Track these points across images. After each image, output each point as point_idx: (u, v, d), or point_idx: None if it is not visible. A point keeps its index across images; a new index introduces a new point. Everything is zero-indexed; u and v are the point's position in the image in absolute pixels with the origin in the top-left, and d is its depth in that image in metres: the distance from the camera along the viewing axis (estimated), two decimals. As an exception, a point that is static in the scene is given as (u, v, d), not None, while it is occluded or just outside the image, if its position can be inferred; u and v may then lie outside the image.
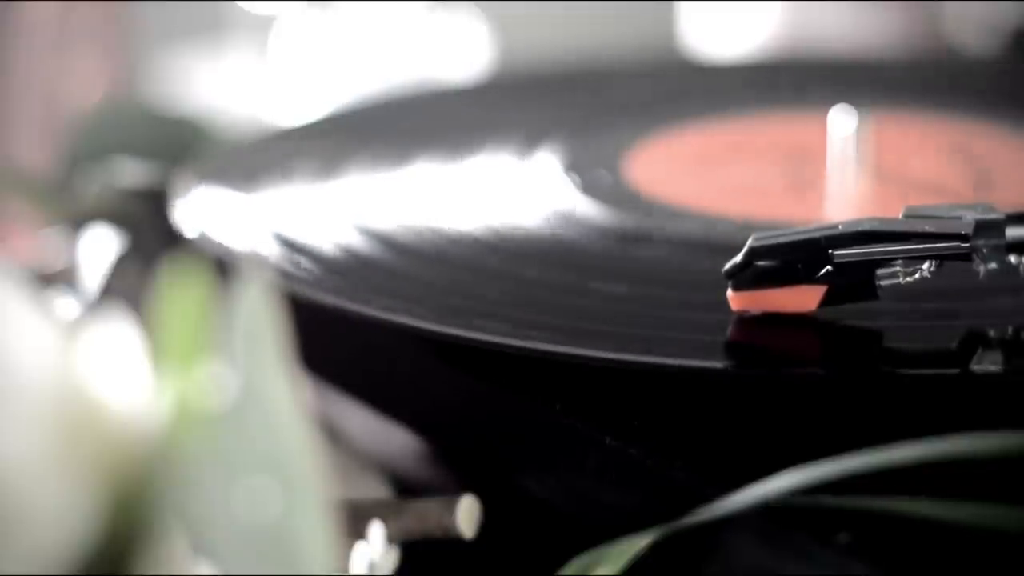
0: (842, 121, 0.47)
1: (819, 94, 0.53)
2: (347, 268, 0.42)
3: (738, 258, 0.36)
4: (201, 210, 0.46)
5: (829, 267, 0.36)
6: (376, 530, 0.36)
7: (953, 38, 0.82)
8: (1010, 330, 0.36)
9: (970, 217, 0.36)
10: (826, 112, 0.47)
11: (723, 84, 0.60)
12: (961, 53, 0.77)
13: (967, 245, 0.36)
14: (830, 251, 0.36)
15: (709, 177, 0.48)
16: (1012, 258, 0.36)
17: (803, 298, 0.36)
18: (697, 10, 0.91)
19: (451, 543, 0.36)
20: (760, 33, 0.85)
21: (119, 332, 0.26)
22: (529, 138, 0.51)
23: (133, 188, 0.50)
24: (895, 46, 0.79)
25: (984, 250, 0.36)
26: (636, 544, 0.33)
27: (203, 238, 0.44)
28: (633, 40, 0.92)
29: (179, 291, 0.25)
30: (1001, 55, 0.76)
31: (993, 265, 0.36)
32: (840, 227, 0.36)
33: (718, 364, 0.36)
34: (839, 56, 0.67)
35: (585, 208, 0.45)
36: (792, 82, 0.60)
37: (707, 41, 0.88)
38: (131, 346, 0.26)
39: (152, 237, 0.48)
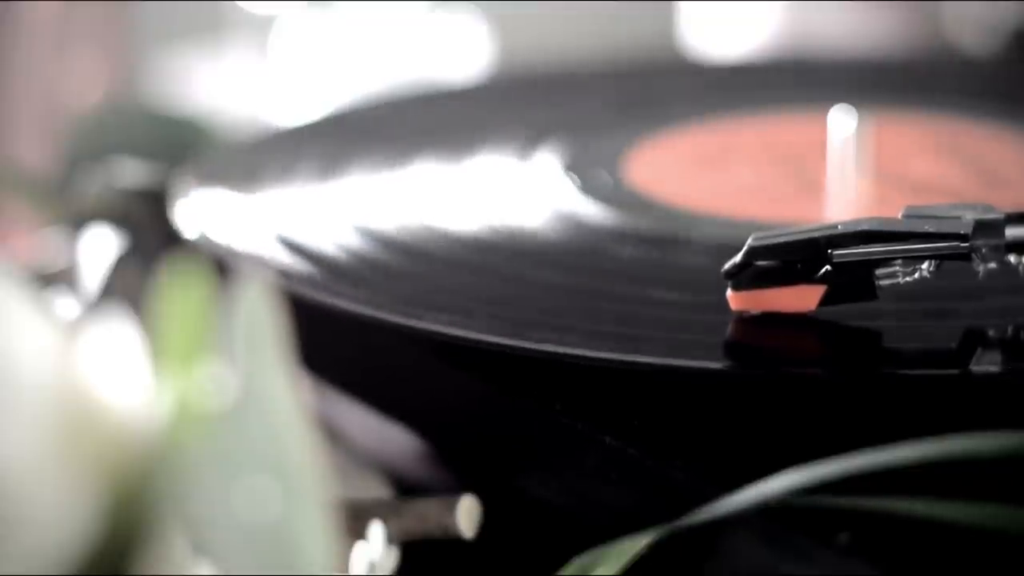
0: (842, 121, 0.47)
1: (819, 94, 0.53)
2: (347, 268, 0.42)
3: (737, 258, 0.36)
4: (201, 210, 0.46)
5: (828, 267, 0.36)
6: (376, 530, 0.36)
7: (953, 38, 0.82)
8: (1009, 330, 0.36)
9: (969, 217, 0.36)
10: (826, 112, 0.47)
11: (723, 84, 0.60)
12: (961, 53, 0.77)
13: (966, 245, 0.36)
14: (829, 251, 0.36)
15: (709, 177, 0.48)
16: (1011, 258, 0.36)
17: (802, 298, 0.36)
18: (697, 10, 0.91)
19: (451, 543, 0.36)
20: (760, 33, 0.85)
21: (119, 332, 0.26)
22: (529, 138, 0.51)
23: (133, 188, 0.50)
24: (895, 46, 0.79)
25: (983, 250, 0.36)
26: (636, 544, 0.33)
27: (203, 238, 0.44)
28: (633, 40, 0.92)
29: (179, 291, 0.25)
30: (1001, 55, 0.76)
31: (992, 265, 0.36)
32: (839, 227, 0.36)
33: (718, 364, 0.36)
34: (839, 56, 0.67)
35: (585, 208, 0.45)
36: (792, 82, 0.60)
37: (707, 41, 0.88)
38: (131, 346, 0.26)
39: (152, 237, 0.48)
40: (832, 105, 0.47)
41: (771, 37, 0.85)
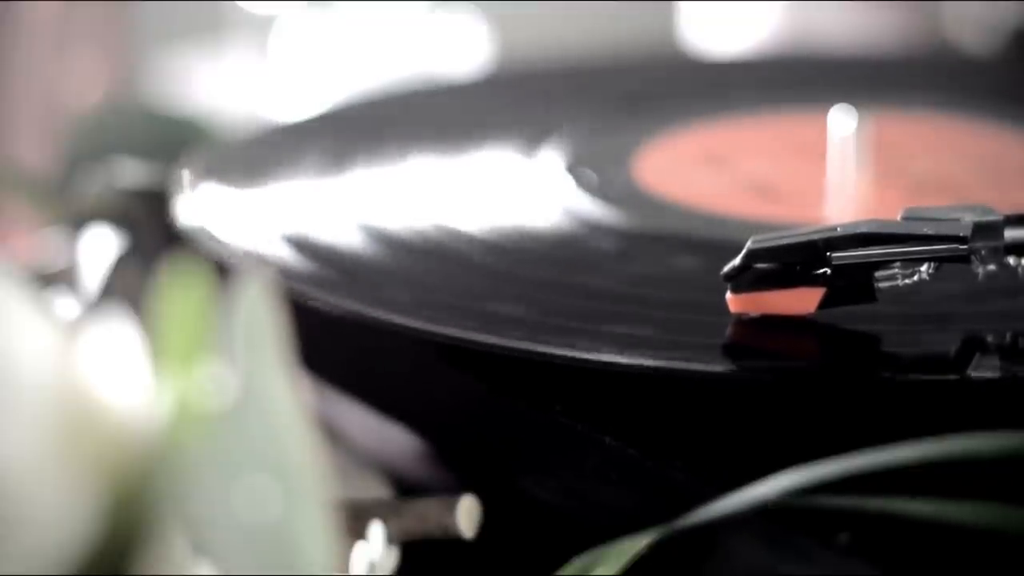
0: (842, 121, 0.47)
1: (819, 92, 0.53)
2: (347, 266, 0.42)
3: (736, 260, 0.36)
4: (201, 208, 0.46)
5: (827, 269, 0.36)
6: (376, 530, 0.36)
7: (953, 38, 0.82)
8: (1008, 336, 0.36)
9: (968, 219, 0.36)
10: (826, 111, 0.47)
11: (723, 83, 0.60)
12: (961, 53, 0.76)
13: (965, 247, 0.35)
14: (828, 253, 0.36)
15: (707, 176, 0.48)
16: (1011, 260, 0.36)
17: (802, 300, 0.36)
18: (697, 9, 0.91)
19: (451, 543, 0.36)
20: (760, 32, 0.85)
21: (119, 332, 0.26)
22: (534, 135, 0.51)
23: (133, 188, 0.50)
24: (895, 45, 0.79)
25: (983, 252, 0.36)
26: (636, 544, 0.33)
27: (203, 236, 0.44)
28: (633, 40, 0.92)
29: (179, 291, 0.25)
30: (1001, 55, 0.76)
31: (992, 267, 0.36)
32: (838, 229, 0.36)
33: (717, 366, 0.36)
34: (839, 54, 0.67)
35: (589, 207, 0.45)
36: (792, 81, 0.60)
37: (707, 40, 0.88)
38: (131, 346, 0.26)
39: (152, 237, 0.48)
40: (832, 104, 0.47)
41: (771, 36, 0.85)
